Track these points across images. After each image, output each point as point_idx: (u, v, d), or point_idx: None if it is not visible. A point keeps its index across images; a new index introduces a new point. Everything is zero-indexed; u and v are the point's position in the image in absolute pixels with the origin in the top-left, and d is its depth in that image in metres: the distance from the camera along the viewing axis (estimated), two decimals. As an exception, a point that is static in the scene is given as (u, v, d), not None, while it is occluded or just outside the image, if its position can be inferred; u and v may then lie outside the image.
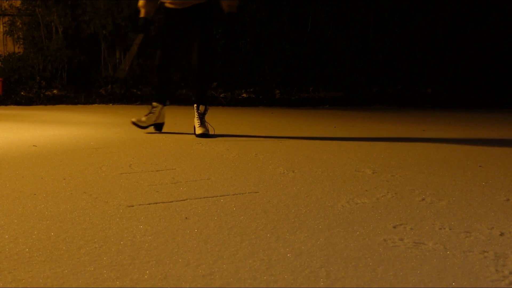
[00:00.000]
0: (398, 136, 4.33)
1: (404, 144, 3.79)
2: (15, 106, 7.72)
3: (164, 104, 4.00)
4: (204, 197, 1.97)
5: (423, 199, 2.01)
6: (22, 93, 8.19)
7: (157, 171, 2.50)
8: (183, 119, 5.51)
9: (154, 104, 3.97)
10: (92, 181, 2.24)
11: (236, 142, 3.65)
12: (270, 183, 2.27)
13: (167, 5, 3.93)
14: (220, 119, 5.71)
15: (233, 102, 8.52)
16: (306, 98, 8.67)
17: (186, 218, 1.68)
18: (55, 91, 8.41)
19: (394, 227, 1.62)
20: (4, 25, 8.77)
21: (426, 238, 1.51)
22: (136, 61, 8.75)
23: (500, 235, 1.56)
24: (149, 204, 1.85)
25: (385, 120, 6.15)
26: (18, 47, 8.83)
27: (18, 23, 8.75)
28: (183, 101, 8.64)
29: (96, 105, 8.19)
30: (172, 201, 1.90)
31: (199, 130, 3.84)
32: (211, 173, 2.47)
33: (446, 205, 1.92)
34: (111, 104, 8.31)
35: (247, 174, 2.47)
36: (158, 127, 4.04)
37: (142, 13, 3.89)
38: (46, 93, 8.33)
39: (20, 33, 8.78)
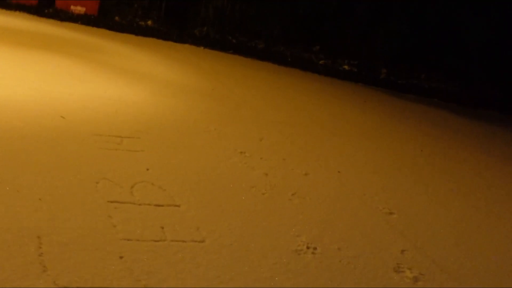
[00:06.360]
0: None
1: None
2: (107, 31, 7.43)
3: None
4: None
5: None
6: (116, 18, 7.88)
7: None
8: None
9: None
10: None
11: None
12: None
13: None
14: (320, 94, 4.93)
15: (332, 71, 7.64)
16: (415, 85, 7.55)
17: None
18: (149, 22, 8.02)
19: None
20: None
21: None
22: (237, 5, 8.09)
23: None
24: None
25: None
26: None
27: None
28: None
29: (187, 45, 7.70)
30: None
31: None
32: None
33: None
34: (202, 47, 7.78)
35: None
36: None
37: None
38: (140, 22, 7.96)
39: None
